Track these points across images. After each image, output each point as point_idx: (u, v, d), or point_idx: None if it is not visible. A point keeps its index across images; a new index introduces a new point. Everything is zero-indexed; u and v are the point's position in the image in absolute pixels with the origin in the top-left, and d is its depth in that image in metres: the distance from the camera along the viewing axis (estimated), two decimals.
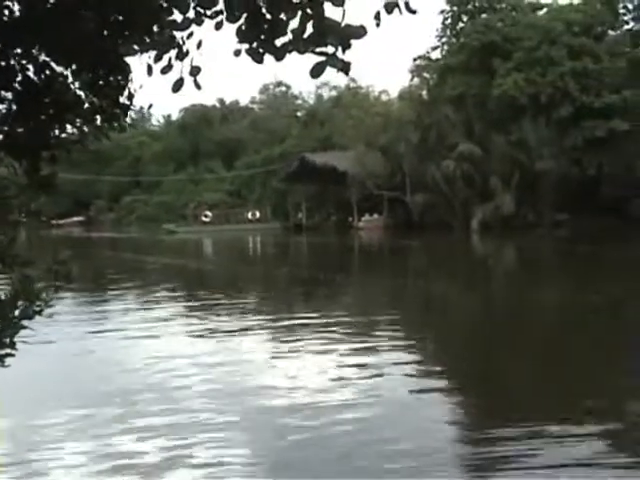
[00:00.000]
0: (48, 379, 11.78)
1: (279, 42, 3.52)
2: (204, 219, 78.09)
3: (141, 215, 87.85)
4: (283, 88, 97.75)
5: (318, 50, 3.42)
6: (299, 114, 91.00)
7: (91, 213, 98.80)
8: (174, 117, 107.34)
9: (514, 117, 51.59)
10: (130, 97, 5.14)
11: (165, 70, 4.23)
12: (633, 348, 13.12)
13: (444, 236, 48.19)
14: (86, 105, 5.40)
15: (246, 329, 15.96)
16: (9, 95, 5.40)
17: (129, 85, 5.11)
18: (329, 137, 72.55)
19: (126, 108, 5.21)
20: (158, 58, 4.34)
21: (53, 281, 6.72)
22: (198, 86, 4.13)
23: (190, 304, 21.45)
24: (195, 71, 4.09)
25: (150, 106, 5.21)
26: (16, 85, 5.38)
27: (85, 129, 5.62)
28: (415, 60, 63.13)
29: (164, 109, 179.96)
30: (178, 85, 4.14)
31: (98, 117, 5.51)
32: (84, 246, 60.80)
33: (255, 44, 3.58)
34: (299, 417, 9.09)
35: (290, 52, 3.52)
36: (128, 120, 5.77)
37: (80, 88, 5.33)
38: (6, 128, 5.28)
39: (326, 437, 8.33)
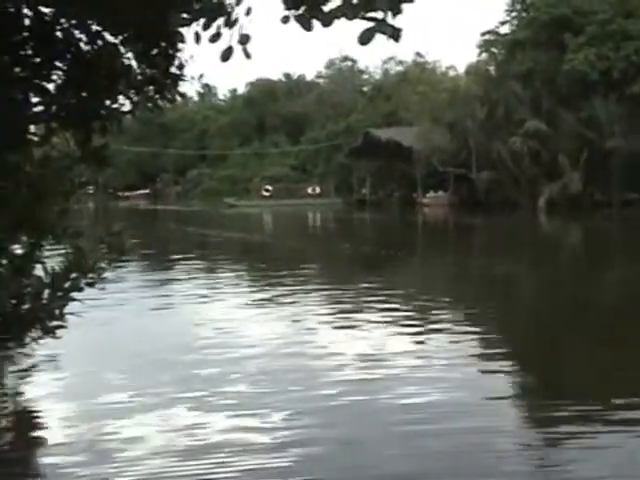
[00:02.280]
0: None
1: (327, 8, 3.37)
2: (264, 193, 78.43)
3: (206, 189, 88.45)
4: (349, 63, 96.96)
5: (367, 16, 3.25)
6: (365, 89, 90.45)
7: (157, 186, 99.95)
8: (240, 91, 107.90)
9: (584, 93, 50.34)
10: (180, 67, 5.07)
11: (214, 38, 4.09)
12: None
13: (510, 214, 47.45)
14: (137, 75, 5.36)
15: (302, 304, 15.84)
16: (61, 65, 5.37)
17: (179, 55, 5.03)
18: (394, 112, 71.93)
19: (176, 78, 5.13)
20: (207, 26, 4.21)
21: (107, 253, 6.74)
22: (247, 55, 3.99)
23: (249, 281, 21.37)
24: (244, 39, 3.94)
25: (201, 76, 5.09)
26: (68, 55, 5.35)
27: (136, 99, 5.57)
28: (483, 35, 62.12)
29: (230, 83, 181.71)
30: (227, 54, 4.00)
31: (149, 87, 5.46)
32: (148, 219, 61.71)
33: (302, 10, 3.43)
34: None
35: (338, 18, 3.36)
36: (182, 91, 5.71)
37: (131, 58, 5.28)
38: (58, 98, 5.26)
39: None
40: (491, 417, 7.97)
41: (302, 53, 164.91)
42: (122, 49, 5.23)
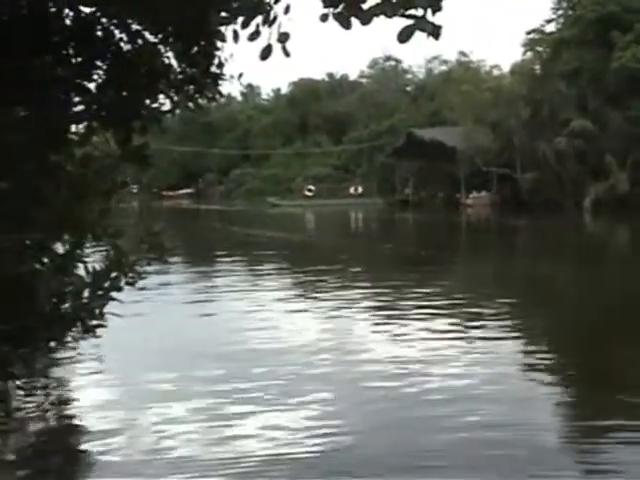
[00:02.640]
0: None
1: (366, 5, 3.31)
2: (307, 193, 78.53)
3: (249, 188, 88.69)
4: (392, 62, 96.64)
5: (407, 13, 3.18)
6: (408, 88, 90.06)
7: (200, 185, 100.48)
8: (283, 91, 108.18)
9: (632, 92, 49.43)
10: (220, 66, 5.04)
11: (252, 37, 4.05)
12: None
13: (554, 215, 46.80)
14: (177, 75, 5.35)
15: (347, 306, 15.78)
16: (102, 65, 5.38)
17: (219, 53, 5.00)
18: (438, 112, 71.55)
19: (216, 77, 5.10)
20: (245, 24, 4.17)
21: (146, 253, 6.74)
22: (287, 53, 3.94)
23: (291, 279, 21.39)
24: (283, 37, 3.89)
25: (240, 75, 5.05)
26: (108, 55, 5.35)
27: (176, 98, 5.56)
28: (529, 34, 61.40)
29: (274, 83, 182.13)
30: (266, 52, 3.95)
31: (189, 86, 5.44)
32: (191, 218, 62.15)
33: (341, 8, 3.37)
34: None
35: (377, 16, 3.29)
36: (224, 90, 5.69)
37: (171, 57, 5.27)
38: (98, 98, 5.26)
39: None
40: None
41: (345, 53, 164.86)
42: (162, 48, 5.22)
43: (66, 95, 5.33)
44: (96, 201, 5.55)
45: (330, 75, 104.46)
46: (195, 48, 5.01)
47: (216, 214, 66.00)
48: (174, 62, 5.31)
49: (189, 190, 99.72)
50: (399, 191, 71.04)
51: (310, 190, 78.64)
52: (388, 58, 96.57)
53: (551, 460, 6.96)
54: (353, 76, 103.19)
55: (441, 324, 13.18)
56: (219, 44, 4.87)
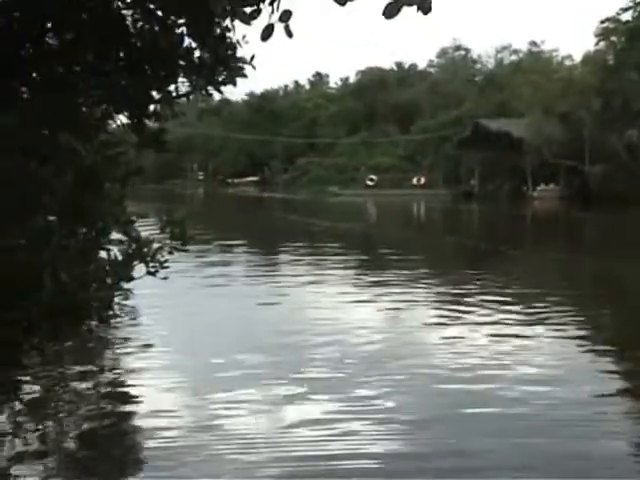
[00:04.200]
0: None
1: None
2: (368, 183, 78.21)
3: (314, 177, 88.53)
4: (462, 52, 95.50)
5: None
6: (477, 78, 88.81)
7: (265, 173, 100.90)
8: (351, 80, 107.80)
9: None
10: (231, 48, 4.81)
11: (253, 15, 3.83)
12: None
13: (624, 209, 45.34)
14: (194, 58, 5.16)
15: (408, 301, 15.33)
16: (118, 47, 5.23)
17: (230, 35, 4.79)
18: (506, 103, 70.37)
19: (227, 60, 4.88)
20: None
21: (168, 241, 6.61)
22: (290, 33, 3.70)
23: (353, 273, 20.85)
24: (285, 17, 3.65)
25: (252, 58, 4.82)
26: (125, 37, 5.19)
27: (195, 82, 5.37)
28: (603, 22, 59.71)
29: (342, 72, 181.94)
30: (267, 32, 3.71)
31: (208, 70, 5.25)
32: (252, 206, 62.40)
33: None
34: None
35: None
36: (244, 72, 5.47)
37: (186, 40, 5.09)
38: (113, 81, 5.11)
39: None
40: None
41: (414, 42, 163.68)
42: (178, 31, 5.05)
43: (83, 79, 5.20)
44: (112, 188, 5.41)
45: (399, 64, 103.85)
46: (209, 32, 4.80)
47: (278, 202, 66.14)
48: (191, 45, 5.14)
49: (254, 178, 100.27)
50: (465, 182, 70.13)
51: (372, 180, 78.28)
52: (458, 47, 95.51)
53: None
54: (422, 65, 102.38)
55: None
56: (230, 26, 4.64)
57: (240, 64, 4.83)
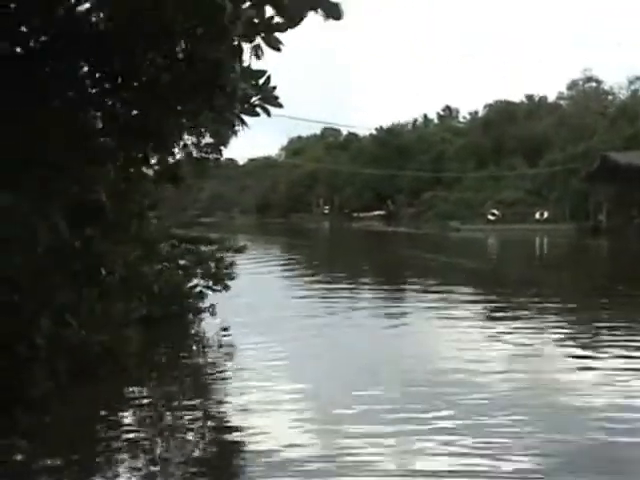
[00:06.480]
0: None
1: None
2: (490, 217, 76.91)
3: (439, 211, 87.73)
4: (593, 84, 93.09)
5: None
6: (608, 110, 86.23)
7: (391, 207, 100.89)
8: (480, 114, 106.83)
9: None
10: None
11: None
12: None
13: None
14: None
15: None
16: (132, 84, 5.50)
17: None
18: (638, 135, 67.94)
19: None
20: None
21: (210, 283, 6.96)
22: (278, 48, 3.86)
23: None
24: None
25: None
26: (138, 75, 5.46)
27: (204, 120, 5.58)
28: None
29: (471, 105, 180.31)
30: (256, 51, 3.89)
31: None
32: (374, 239, 62.20)
33: None
34: None
35: None
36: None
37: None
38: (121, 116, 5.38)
39: None
40: None
41: (544, 74, 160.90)
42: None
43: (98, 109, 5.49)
44: (126, 220, 5.66)
45: (529, 97, 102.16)
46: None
47: (398, 237, 65.55)
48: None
49: (380, 212, 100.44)
50: (592, 217, 67.83)
51: (494, 214, 76.91)
52: (589, 79, 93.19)
53: None
54: (551, 98, 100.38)
55: None
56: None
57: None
